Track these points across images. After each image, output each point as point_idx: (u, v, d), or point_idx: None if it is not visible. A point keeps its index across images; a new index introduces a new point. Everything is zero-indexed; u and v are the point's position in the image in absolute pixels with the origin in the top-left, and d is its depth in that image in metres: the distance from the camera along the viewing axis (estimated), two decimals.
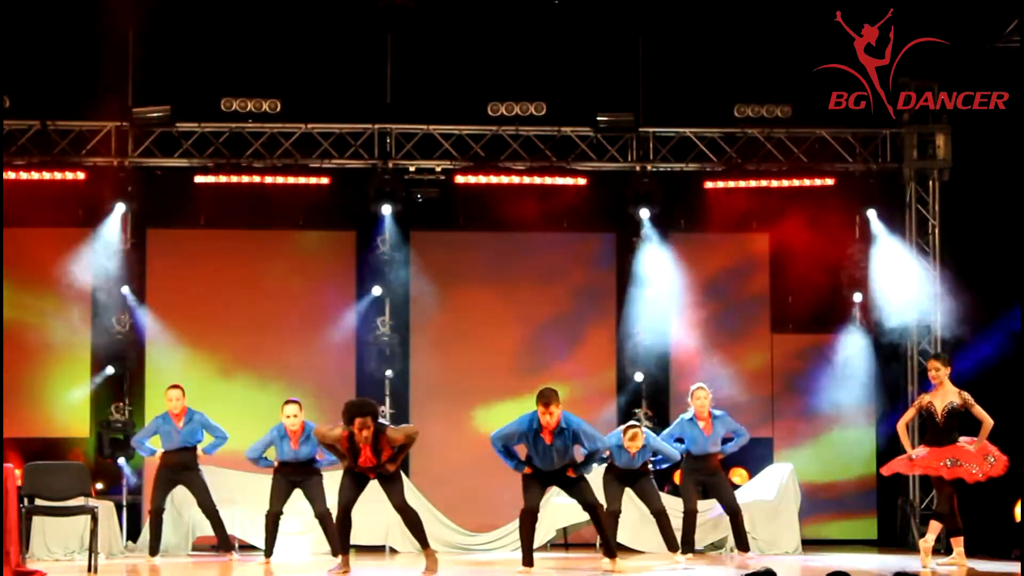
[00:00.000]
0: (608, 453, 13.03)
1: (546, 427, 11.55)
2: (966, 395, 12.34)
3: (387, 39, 15.93)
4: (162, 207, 16.03)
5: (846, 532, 16.33)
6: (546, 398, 11.52)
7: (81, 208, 15.77)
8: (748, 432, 13.98)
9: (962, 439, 12.34)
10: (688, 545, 13.78)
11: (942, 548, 12.72)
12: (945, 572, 12.08)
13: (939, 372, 12.43)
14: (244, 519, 14.67)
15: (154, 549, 13.86)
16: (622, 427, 13.30)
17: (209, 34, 15.40)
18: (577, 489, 11.85)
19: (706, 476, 13.76)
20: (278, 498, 13.29)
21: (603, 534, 12.04)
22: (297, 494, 13.38)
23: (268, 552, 13.36)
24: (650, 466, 13.33)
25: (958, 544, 12.45)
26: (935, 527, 12.30)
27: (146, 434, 14.05)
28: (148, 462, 15.68)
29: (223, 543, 14.00)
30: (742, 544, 13.75)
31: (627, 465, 13.14)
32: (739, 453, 14.36)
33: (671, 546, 13.38)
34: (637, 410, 15.92)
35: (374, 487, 11.82)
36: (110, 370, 15.75)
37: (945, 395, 12.36)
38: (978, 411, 12.31)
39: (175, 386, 13.96)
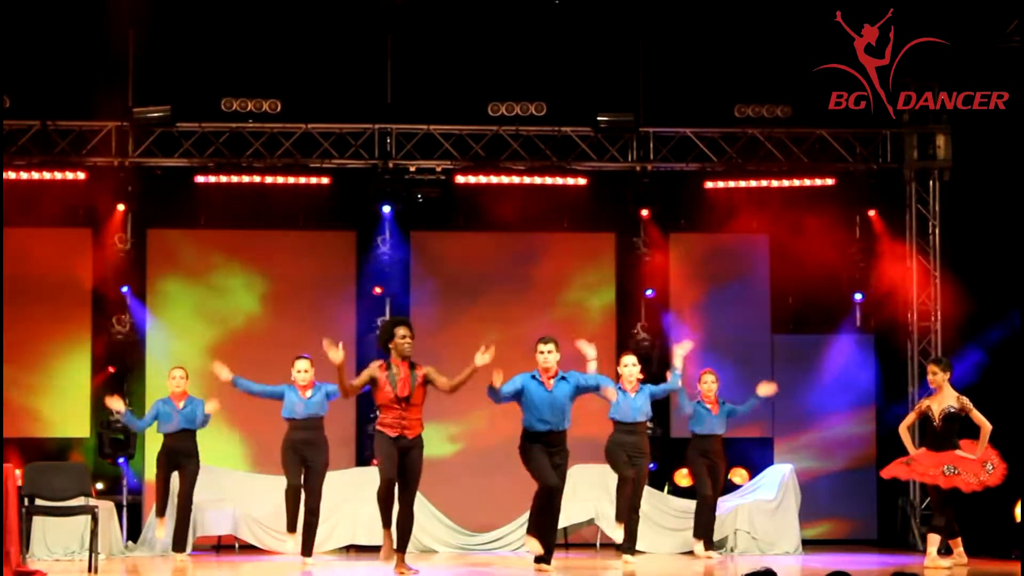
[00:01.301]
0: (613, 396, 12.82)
1: (545, 372, 11.66)
2: (965, 400, 12.30)
3: (387, 39, 15.94)
4: (162, 207, 16.04)
5: (846, 532, 16.33)
6: (545, 338, 11.83)
7: (81, 208, 15.77)
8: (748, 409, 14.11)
9: (963, 444, 12.31)
10: (708, 536, 13.84)
11: (942, 549, 12.68)
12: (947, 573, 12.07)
13: (936, 376, 12.42)
14: (243, 519, 14.67)
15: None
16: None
17: (209, 34, 15.40)
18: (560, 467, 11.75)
19: (712, 460, 13.81)
20: (294, 473, 13.06)
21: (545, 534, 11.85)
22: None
23: (292, 527, 13.14)
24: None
25: (957, 545, 12.45)
26: (934, 539, 12.28)
27: (148, 419, 13.91)
28: (149, 464, 15.73)
29: (178, 542, 13.73)
30: (706, 536, 13.85)
31: (629, 418, 13.04)
32: (740, 453, 14.36)
33: (627, 545, 13.30)
34: None
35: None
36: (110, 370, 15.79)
37: (943, 399, 12.33)
38: (976, 416, 12.26)
39: (179, 367, 13.91)
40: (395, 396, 11.25)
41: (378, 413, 11.46)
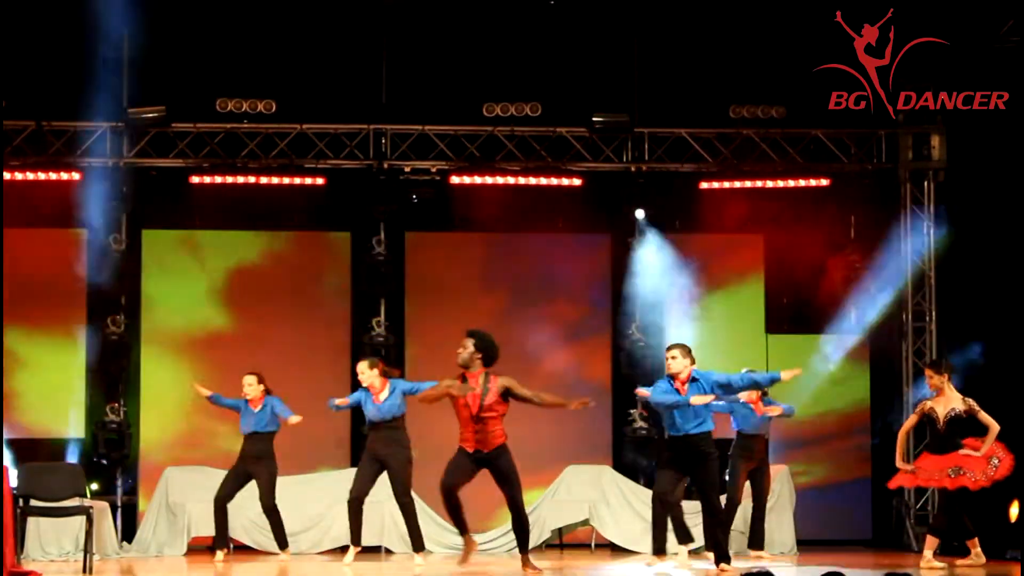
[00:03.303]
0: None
1: (676, 376, 11.39)
2: (971, 401, 12.19)
3: (382, 40, 15.93)
4: (157, 208, 16.04)
5: (841, 532, 16.33)
6: (670, 346, 11.63)
7: (76, 208, 15.74)
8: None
9: (967, 442, 12.26)
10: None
11: (940, 549, 12.63)
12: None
13: (933, 380, 12.35)
14: (244, 519, 14.64)
15: (220, 542, 13.62)
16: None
17: (204, 34, 15.39)
18: (704, 470, 11.50)
19: (756, 464, 13.66)
20: (361, 482, 12.90)
21: (719, 539, 11.57)
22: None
23: (356, 540, 13.01)
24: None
25: (974, 545, 12.40)
26: (932, 542, 12.25)
27: (229, 401, 13.78)
28: (143, 464, 15.75)
29: (281, 543, 13.69)
30: (756, 543, 13.75)
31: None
32: None
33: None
34: (632, 411, 15.90)
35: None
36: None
37: (948, 401, 12.22)
38: (984, 417, 12.16)
39: (251, 372, 13.67)
40: (470, 414, 11.15)
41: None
